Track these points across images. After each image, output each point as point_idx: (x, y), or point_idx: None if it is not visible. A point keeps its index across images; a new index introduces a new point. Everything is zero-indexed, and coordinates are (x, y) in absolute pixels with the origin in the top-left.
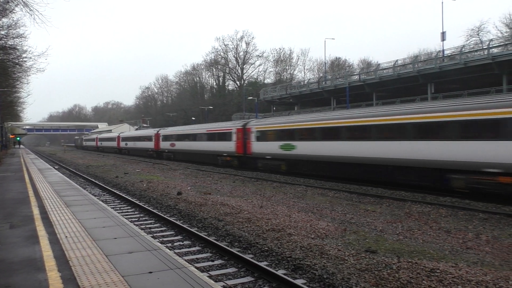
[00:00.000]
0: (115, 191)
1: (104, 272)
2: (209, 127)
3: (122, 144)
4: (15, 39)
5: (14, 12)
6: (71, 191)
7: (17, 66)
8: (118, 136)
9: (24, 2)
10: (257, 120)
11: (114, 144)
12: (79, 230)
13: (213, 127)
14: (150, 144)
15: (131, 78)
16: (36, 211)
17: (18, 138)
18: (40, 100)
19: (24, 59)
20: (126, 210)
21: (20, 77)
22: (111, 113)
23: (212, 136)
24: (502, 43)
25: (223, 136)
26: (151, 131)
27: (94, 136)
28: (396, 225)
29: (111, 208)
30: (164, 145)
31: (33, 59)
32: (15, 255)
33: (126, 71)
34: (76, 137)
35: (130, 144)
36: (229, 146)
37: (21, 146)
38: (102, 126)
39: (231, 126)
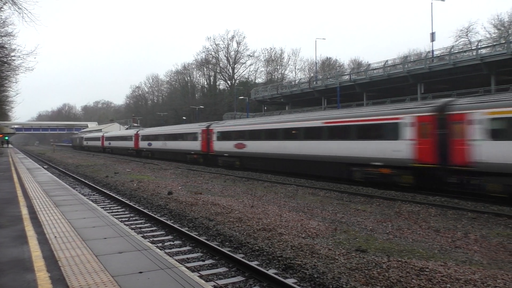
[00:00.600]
0: (105, 190)
1: (93, 272)
2: (330, 117)
3: (143, 144)
4: (3, 38)
5: (2, 11)
6: (61, 191)
7: (5, 65)
8: (136, 134)
9: (12, 1)
10: (479, 98)
11: (129, 144)
12: (68, 230)
13: (340, 116)
14: (193, 145)
15: (122, 77)
16: (24, 211)
17: (6, 138)
18: (29, 99)
19: (13, 57)
20: (116, 210)
21: (8, 76)
22: (101, 113)
23: (336, 131)
24: (490, 44)
25: (374, 131)
26: (194, 127)
27: (99, 134)
28: (386, 224)
29: (101, 208)
30: (222, 146)
31: (21, 58)
32: (3, 255)
33: (117, 70)
34: (73, 136)
35: (157, 145)
36: (391, 148)
37: (10, 145)
38: (92, 125)
39: (397, 112)
